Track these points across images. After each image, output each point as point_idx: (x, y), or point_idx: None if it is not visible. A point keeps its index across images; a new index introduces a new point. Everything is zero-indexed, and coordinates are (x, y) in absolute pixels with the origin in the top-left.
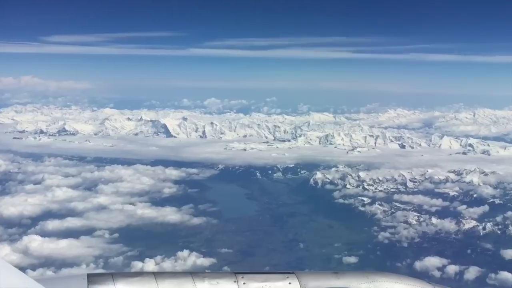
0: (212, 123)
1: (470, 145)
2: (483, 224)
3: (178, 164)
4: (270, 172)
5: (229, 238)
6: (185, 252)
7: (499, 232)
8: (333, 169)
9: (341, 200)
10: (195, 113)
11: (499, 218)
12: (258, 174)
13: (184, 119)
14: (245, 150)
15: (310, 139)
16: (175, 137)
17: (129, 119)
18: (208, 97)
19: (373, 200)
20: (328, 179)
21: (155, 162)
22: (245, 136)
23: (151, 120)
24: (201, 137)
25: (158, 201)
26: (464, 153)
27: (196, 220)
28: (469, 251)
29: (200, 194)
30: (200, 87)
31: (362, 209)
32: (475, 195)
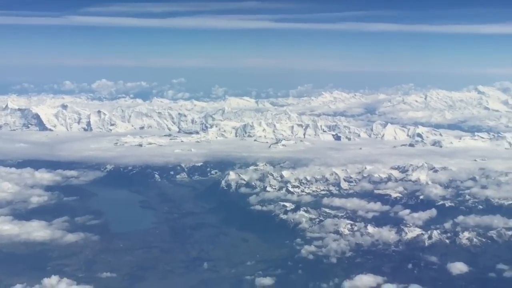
0: (99, 111)
1: (419, 134)
2: (429, 232)
3: (52, 165)
4: (172, 173)
5: (114, 258)
6: (54, 279)
7: (447, 241)
8: (251, 167)
9: (258, 207)
10: (79, 99)
11: (448, 225)
12: (156, 175)
13: (64, 107)
14: (141, 145)
15: (224, 131)
16: (50, 130)
17: None
18: (97, 79)
19: (298, 206)
20: (244, 180)
21: (22, 163)
22: (142, 127)
23: (19, 109)
24: (85, 129)
25: (23, 213)
26: (411, 144)
27: (72, 237)
28: (410, 265)
29: (80, 203)
30: (88, 66)
31: (284, 217)
32: (421, 197)
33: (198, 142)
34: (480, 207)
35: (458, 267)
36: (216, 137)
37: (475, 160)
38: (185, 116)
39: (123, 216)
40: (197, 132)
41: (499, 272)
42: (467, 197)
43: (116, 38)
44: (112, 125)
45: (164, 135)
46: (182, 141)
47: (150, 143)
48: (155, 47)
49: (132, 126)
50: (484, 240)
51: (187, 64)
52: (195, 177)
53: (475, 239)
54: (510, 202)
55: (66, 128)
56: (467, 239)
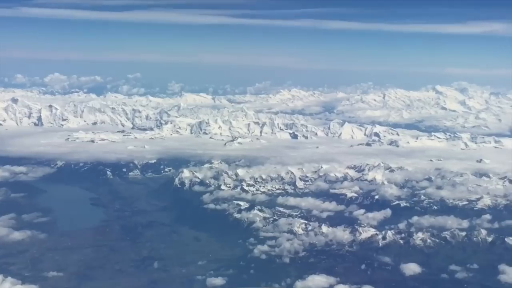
0: (51, 106)
1: (376, 134)
2: (383, 232)
3: (0, 160)
4: (124, 170)
5: (62, 257)
6: None
7: (401, 242)
8: (206, 165)
9: (212, 205)
10: (31, 93)
11: (402, 225)
12: (108, 172)
13: (14, 100)
14: (93, 141)
15: (179, 127)
16: (0, 124)
17: None
18: (50, 72)
19: (252, 205)
20: (198, 178)
21: None
22: (94, 123)
23: None
24: (35, 124)
25: None
26: (368, 144)
27: (18, 235)
28: (363, 266)
29: (27, 200)
30: (40, 59)
31: (238, 216)
32: (376, 197)
33: (152, 138)
34: (435, 207)
35: (411, 268)
36: (171, 134)
37: (431, 160)
38: (139, 112)
39: (73, 214)
40: (151, 129)
41: (451, 273)
42: (422, 197)
43: (70, 30)
44: (64, 120)
45: (117, 131)
46: (135, 137)
47: (102, 139)
48: (111, 41)
49: (85, 121)
50: (437, 241)
51: (143, 58)
52: (148, 175)
53: (428, 240)
54: (465, 203)
55: (16, 123)
56: (421, 239)
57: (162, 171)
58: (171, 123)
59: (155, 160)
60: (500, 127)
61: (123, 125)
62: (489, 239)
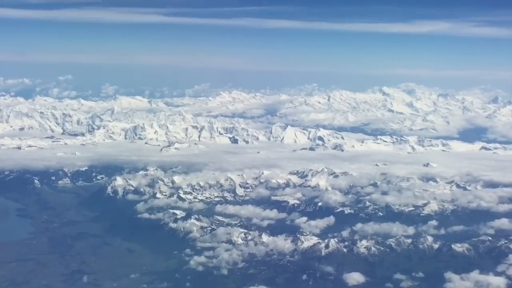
0: None
1: (320, 138)
2: (326, 240)
3: None
4: (53, 178)
5: None
6: None
7: (345, 250)
8: (140, 172)
9: (146, 215)
10: None
11: (346, 233)
12: (36, 181)
13: None
14: (19, 148)
15: (113, 132)
16: None
17: None
18: None
19: (189, 214)
20: (132, 186)
21: None
22: (21, 128)
23: None
24: None
25: None
26: (311, 148)
27: None
28: (305, 276)
29: None
30: None
31: (174, 225)
32: (320, 204)
33: (84, 144)
34: (380, 214)
35: (355, 278)
36: (104, 140)
37: (377, 165)
38: (70, 116)
39: None
40: (82, 134)
41: (396, 282)
42: (367, 203)
43: None
44: None
45: (46, 137)
46: (65, 143)
47: (30, 146)
48: (40, 41)
49: (11, 127)
50: (382, 248)
51: (75, 60)
52: (78, 183)
53: (373, 248)
54: (411, 208)
55: None
56: (365, 247)
57: (94, 179)
58: (104, 128)
59: (86, 168)
60: (448, 130)
61: (52, 131)
62: (436, 246)
